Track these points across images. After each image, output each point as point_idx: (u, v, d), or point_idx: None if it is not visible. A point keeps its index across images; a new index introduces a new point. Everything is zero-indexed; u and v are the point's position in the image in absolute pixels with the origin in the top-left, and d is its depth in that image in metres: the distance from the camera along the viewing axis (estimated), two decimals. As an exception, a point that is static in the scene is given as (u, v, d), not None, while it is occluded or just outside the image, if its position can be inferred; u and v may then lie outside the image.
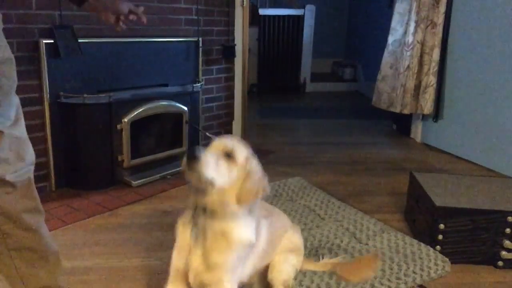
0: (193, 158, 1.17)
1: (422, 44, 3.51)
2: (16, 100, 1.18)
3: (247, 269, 1.39)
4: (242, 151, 1.28)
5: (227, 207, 1.25)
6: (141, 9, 1.42)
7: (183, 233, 1.32)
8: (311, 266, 1.74)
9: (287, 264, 1.54)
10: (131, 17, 1.39)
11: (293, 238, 1.61)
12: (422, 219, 2.04)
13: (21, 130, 1.20)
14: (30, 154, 1.23)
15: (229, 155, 1.24)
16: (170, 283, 1.35)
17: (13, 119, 1.16)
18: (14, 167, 1.18)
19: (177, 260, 1.34)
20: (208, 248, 1.27)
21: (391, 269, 1.77)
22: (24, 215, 1.22)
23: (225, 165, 1.23)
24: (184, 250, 1.31)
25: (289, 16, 6.07)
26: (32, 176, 1.26)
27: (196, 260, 1.29)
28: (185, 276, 1.33)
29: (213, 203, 1.25)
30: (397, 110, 3.69)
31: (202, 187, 1.22)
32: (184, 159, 1.19)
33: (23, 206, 1.22)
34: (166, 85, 2.99)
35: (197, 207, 1.28)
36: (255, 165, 1.30)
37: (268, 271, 1.54)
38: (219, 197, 1.24)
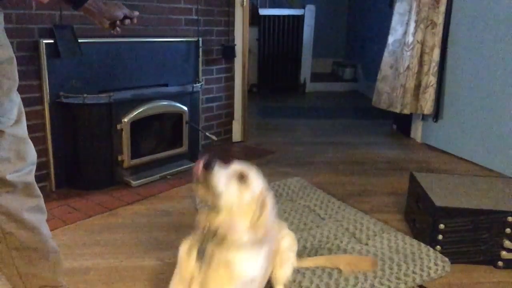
0: (208, 168, 1.11)
1: (422, 44, 3.51)
2: (17, 99, 1.18)
3: None
4: (259, 181, 1.23)
5: (236, 232, 1.18)
6: (136, 13, 1.43)
7: (186, 261, 1.24)
8: (305, 263, 1.74)
9: (288, 263, 1.55)
10: (126, 22, 1.40)
11: (290, 236, 1.59)
12: (422, 219, 2.04)
13: (23, 129, 1.21)
14: (31, 153, 1.24)
15: (243, 178, 1.19)
16: None
17: (15, 119, 1.16)
18: (15, 167, 1.18)
19: None
20: (209, 278, 1.21)
21: (391, 269, 1.77)
22: (25, 214, 1.23)
23: (237, 186, 1.17)
24: (185, 280, 1.24)
25: (289, 16, 6.07)
26: (33, 175, 1.26)
27: None
28: None
29: (223, 226, 1.18)
30: (397, 110, 3.69)
31: (209, 203, 1.16)
32: (198, 167, 1.12)
33: (24, 206, 1.23)
34: (166, 85, 2.99)
35: (207, 231, 1.21)
36: (271, 201, 1.22)
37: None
38: (229, 220, 1.18)
